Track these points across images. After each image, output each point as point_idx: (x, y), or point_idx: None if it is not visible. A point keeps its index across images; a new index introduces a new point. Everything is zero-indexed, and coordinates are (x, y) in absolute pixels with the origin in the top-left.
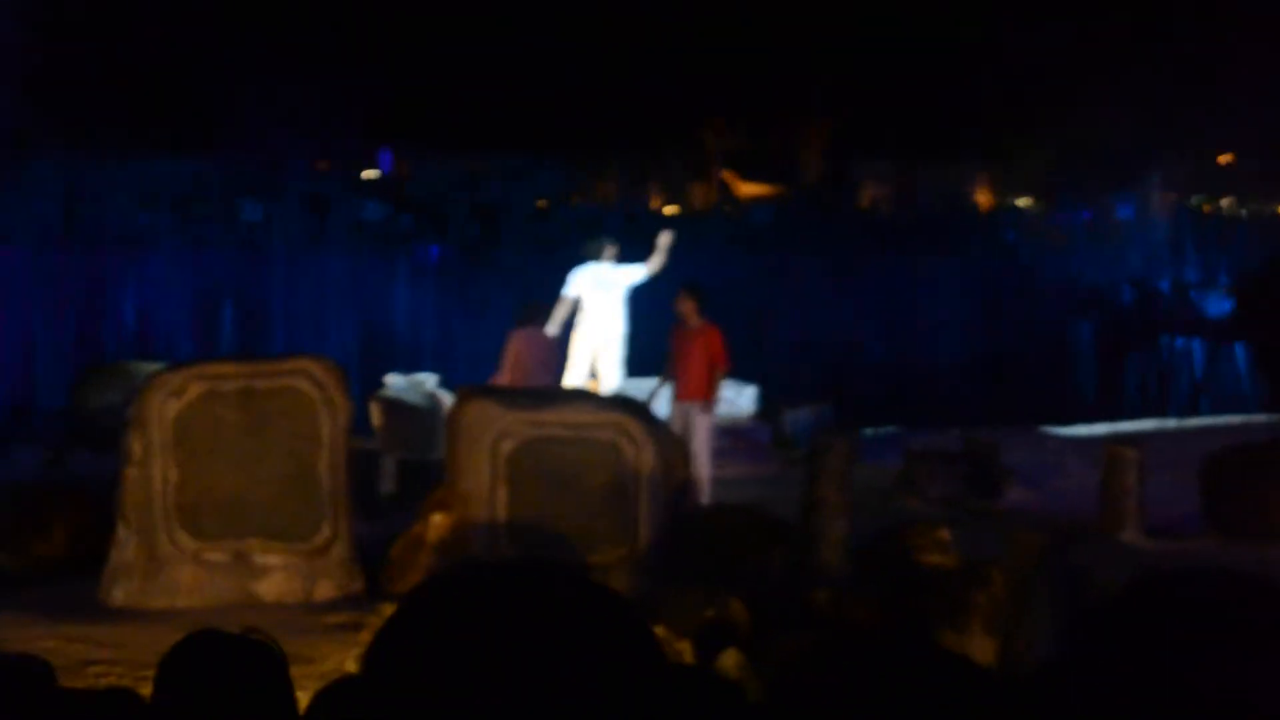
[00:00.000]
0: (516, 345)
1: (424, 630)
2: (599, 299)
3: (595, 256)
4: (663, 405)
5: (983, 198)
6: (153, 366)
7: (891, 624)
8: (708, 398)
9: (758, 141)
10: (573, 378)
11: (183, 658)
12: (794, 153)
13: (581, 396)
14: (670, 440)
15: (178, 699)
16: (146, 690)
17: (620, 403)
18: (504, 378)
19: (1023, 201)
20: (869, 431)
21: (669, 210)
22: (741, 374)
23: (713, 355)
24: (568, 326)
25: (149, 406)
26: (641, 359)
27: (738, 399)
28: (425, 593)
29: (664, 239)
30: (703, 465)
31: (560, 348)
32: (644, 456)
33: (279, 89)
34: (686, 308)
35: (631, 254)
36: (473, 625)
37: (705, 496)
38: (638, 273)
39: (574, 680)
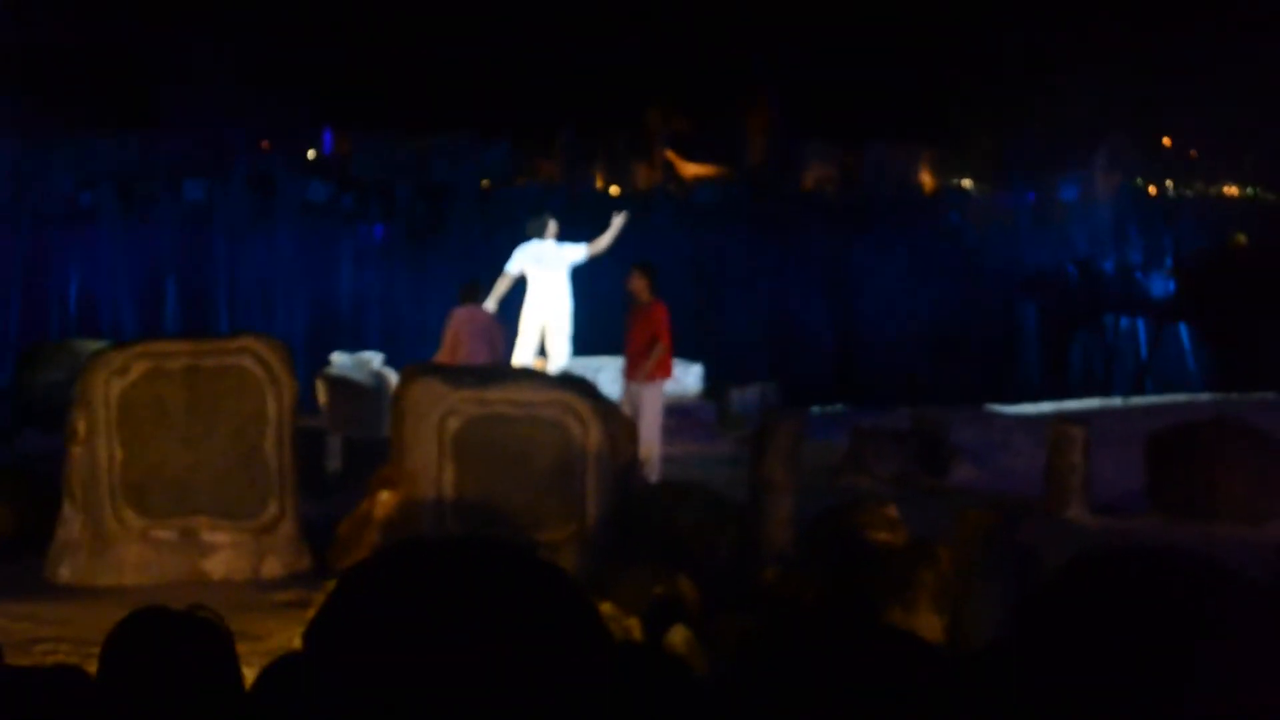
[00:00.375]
0: (457, 323)
1: (365, 606)
2: (543, 277)
3: (538, 234)
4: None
5: (927, 179)
6: (97, 345)
7: (839, 602)
8: (655, 378)
9: (702, 122)
10: (520, 356)
11: (128, 635)
12: (738, 133)
13: (528, 375)
14: (618, 419)
15: (123, 676)
16: (93, 667)
17: (567, 381)
18: (444, 355)
19: (967, 183)
20: (816, 410)
21: (613, 190)
22: (687, 353)
23: (654, 330)
24: (513, 304)
25: (93, 385)
26: (592, 338)
27: (684, 378)
28: (366, 568)
29: (618, 220)
30: (649, 445)
31: (504, 325)
32: (591, 435)
33: (222, 67)
34: (638, 285)
35: (575, 234)
36: (414, 601)
37: (655, 474)
38: (579, 251)
39: (517, 657)
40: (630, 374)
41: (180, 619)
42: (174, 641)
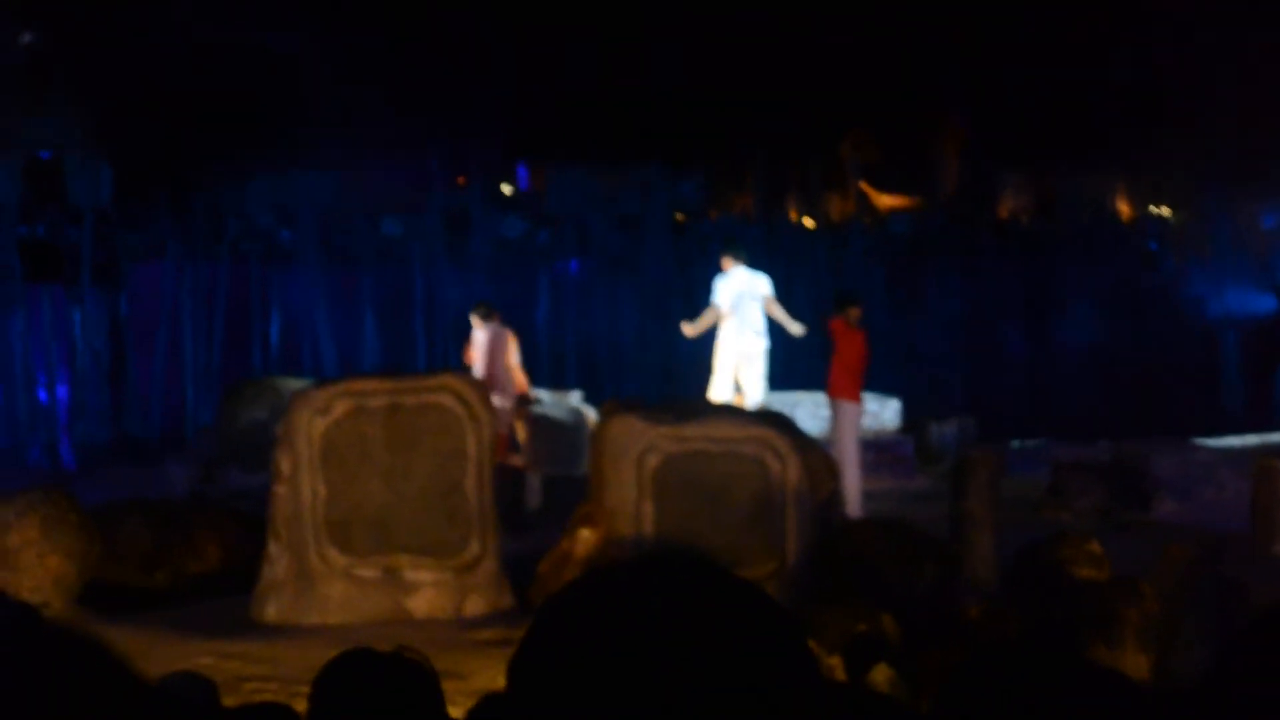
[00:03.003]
0: (491, 341)
1: (566, 639)
2: (742, 309)
3: (740, 260)
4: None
5: (1124, 207)
6: (299, 383)
7: (1043, 639)
8: (849, 398)
9: (895, 153)
10: (717, 391)
11: (337, 676)
12: (932, 163)
13: (726, 411)
14: (816, 455)
15: (332, 717)
16: (301, 706)
17: (765, 417)
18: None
19: (1165, 210)
20: (1015, 444)
21: (807, 222)
22: (885, 387)
23: (853, 352)
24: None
25: (297, 424)
26: (788, 373)
27: (881, 412)
28: (565, 601)
29: (796, 328)
30: (848, 470)
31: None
32: (790, 471)
33: (418, 103)
34: (851, 317)
35: (768, 267)
36: (616, 630)
37: (856, 502)
38: (768, 292)
39: (727, 684)
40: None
41: (387, 660)
42: (381, 683)
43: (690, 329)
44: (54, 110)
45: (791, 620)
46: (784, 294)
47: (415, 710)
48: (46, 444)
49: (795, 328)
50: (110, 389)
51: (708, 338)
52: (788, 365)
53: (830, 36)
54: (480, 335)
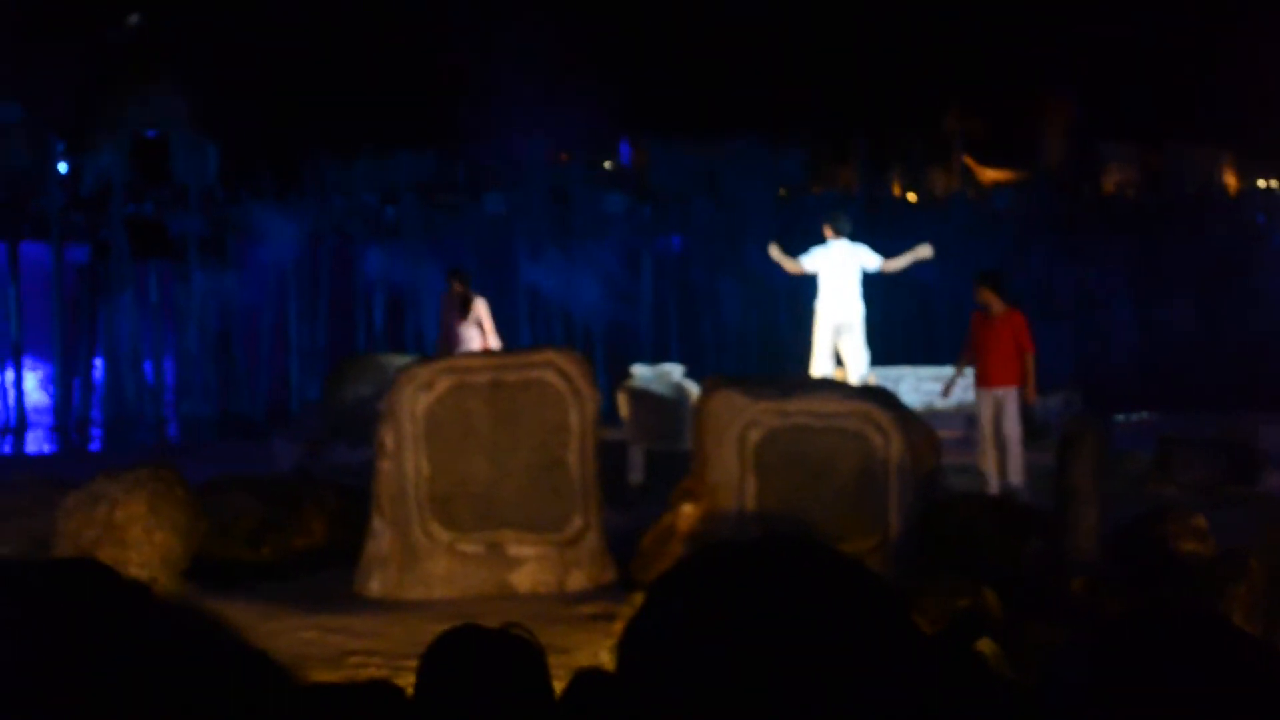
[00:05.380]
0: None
1: (677, 615)
2: (836, 280)
3: (838, 233)
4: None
5: (1231, 179)
6: (403, 359)
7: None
8: (1020, 383)
9: (999, 126)
10: (817, 365)
11: (444, 652)
12: (1036, 137)
13: (828, 385)
14: (919, 429)
15: (440, 693)
16: (404, 681)
17: (868, 391)
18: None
19: (1272, 183)
20: (1120, 418)
21: (910, 197)
22: None
23: (1020, 341)
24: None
25: (400, 400)
26: (891, 347)
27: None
28: (675, 578)
29: (923, 250)
30: (1015, 450)
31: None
32: (893, 445)
33: (520, 79)
34: (987, 296)
35: (872, 242)
36: (726, 607)
37: (1020, 480)
38: (874, 260)
39: (835, 660)
40: (990, 381)
41: (494, 637)
42: (489, 659)
43: (776, 250)
44: (161, 91)
45: (897, 598)
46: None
47: (522, 686)
48: (153, 421)
49: (924, 251)
50: (216, 366)
51: (808, 310)
52: (889, 338)
53: (935, 9)
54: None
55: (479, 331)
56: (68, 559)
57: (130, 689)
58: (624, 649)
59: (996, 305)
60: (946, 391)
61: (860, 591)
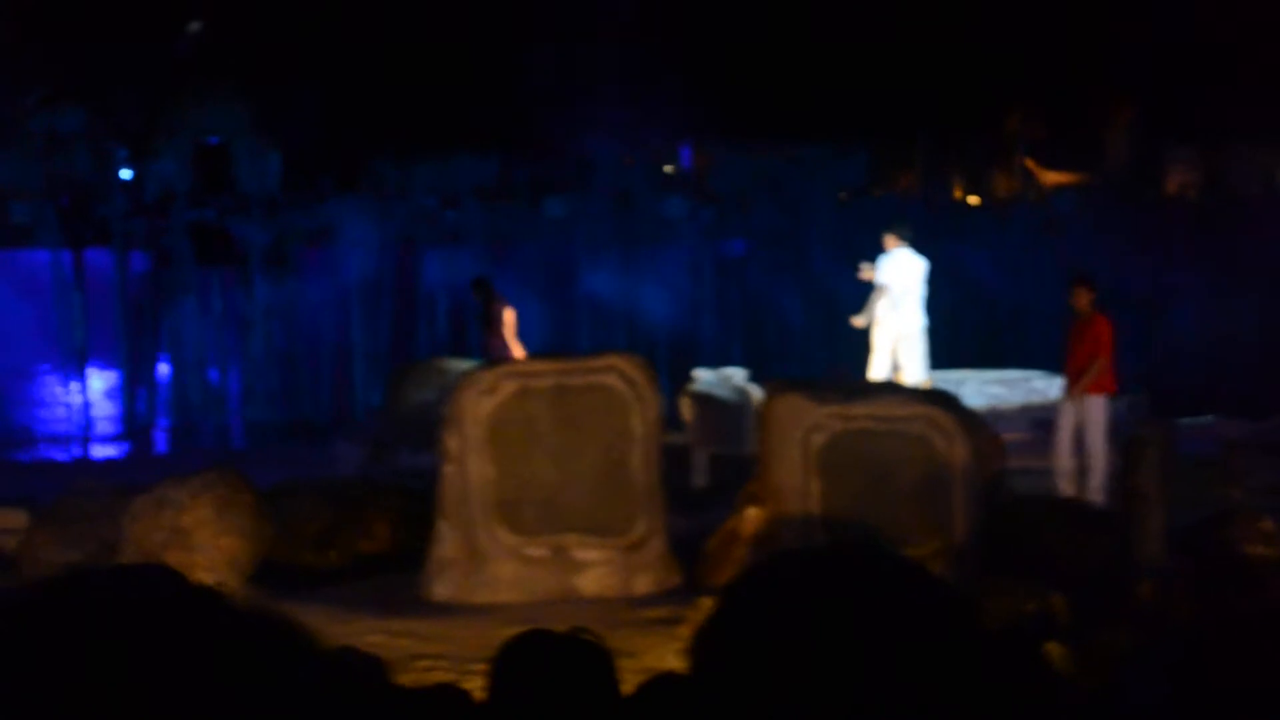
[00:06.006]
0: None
1: (750, 620)
2: (901, 288)
3: (905, 239)
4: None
5: None
6: (465, 364)
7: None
8: (1095, 390)
9: (1060, 128)
10: (877, 369)
11: (515, 655)
12: (1098, 139)
13: (892, 389)
14: (983, 433)
15: (510, 696)
16: (472, 684)
17: (931, 395)
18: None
19: None
20: (1186, 420)
21: (972, 200)
22: (1053, 365)
23: (1094, 345)
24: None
25: (464, 404)
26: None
27: (1048, 389)
28: (748, 583)
29: (858, 322)
30: (1097, 465)
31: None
32: (957, 449)
33: (581, 84)
34: (1081, 300)
35: (931, 245)
36: (799, 612)
37: (1099, 493)
38: (926, 265)
39: (907, 667)
40: (1075, 388)
41: (564, 640)
42: (558, 662)
43: (860, 320)
44: (222, 98)
45: (966, 604)
46: (950, 272)
47: (591, 690)
48: (218, 426)
49: (859, 321)
50: (280, 371)
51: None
52: (952, 342)
53: (996, 12)
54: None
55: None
56: (136, 564)
57: (205, 694)
58: (696, 653)
59: (1084, 310)
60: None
61: (931, 598)
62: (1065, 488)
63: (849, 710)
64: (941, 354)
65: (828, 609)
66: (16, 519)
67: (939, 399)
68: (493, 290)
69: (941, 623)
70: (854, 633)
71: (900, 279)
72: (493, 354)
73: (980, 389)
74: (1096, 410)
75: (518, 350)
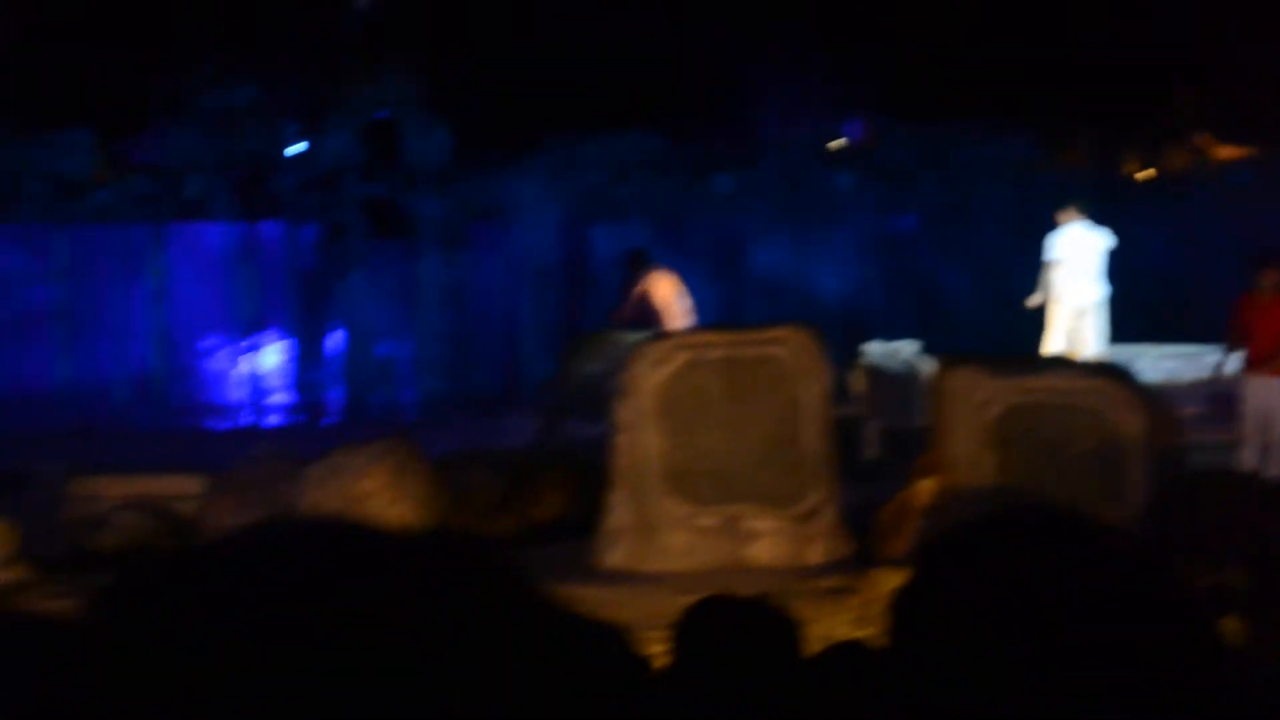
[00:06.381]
0: (647, 285)
1: (950, 587)
2: (1076, 264)
3: (1081, 214)
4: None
5: None
6: (635, 336)
7: None
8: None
9: (1236, 101)
10: (1053, 343)
11: (699, 621)
12: (1274, 112)
13: (1066, 363)
14: (1158, 407)
15: (695, 661)
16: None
17: (1105, 369)
18: (674, 321)
19: None
20: None
21: (1144, 174)
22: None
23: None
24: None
25: (636, 376)
26: (1129, 325)
27: (1227, 362)
28: (944, 550)
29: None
30: None
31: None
32: (1131, 422)
33: (750, 60)
34: (1271, 278)
35: (1101, 220)
36: (1003, 576)
37: None
38: (1109, 240)
39: (1114, 632)
40: (1260, 369)
41: (748, 607)
42: (743, 629)
43: (1036, 299)
44: (392, 72)
45: (1169, 571)
46: (1123, 247)
47: (775, 656)
48: (389, 397)
49: (1034, 300)
50: (450, 344)
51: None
52: (1127, 316)
53: None
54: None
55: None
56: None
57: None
58: (895, 620)
59: (1271, 288)
60: (1218, 374)
61: (1132, 561)
62: (1249, 465)
63: (1058, 668)
64: (1116, 329)
65: (1031, 571)
66: (194, 486)
67: (1113, 372)
68: (639, 261)
69: (1146, 586)
70: (1060, 594)
71: (1074, 254)
72: (621, 322)
73: (1155, 363)
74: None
75: (675, 321)
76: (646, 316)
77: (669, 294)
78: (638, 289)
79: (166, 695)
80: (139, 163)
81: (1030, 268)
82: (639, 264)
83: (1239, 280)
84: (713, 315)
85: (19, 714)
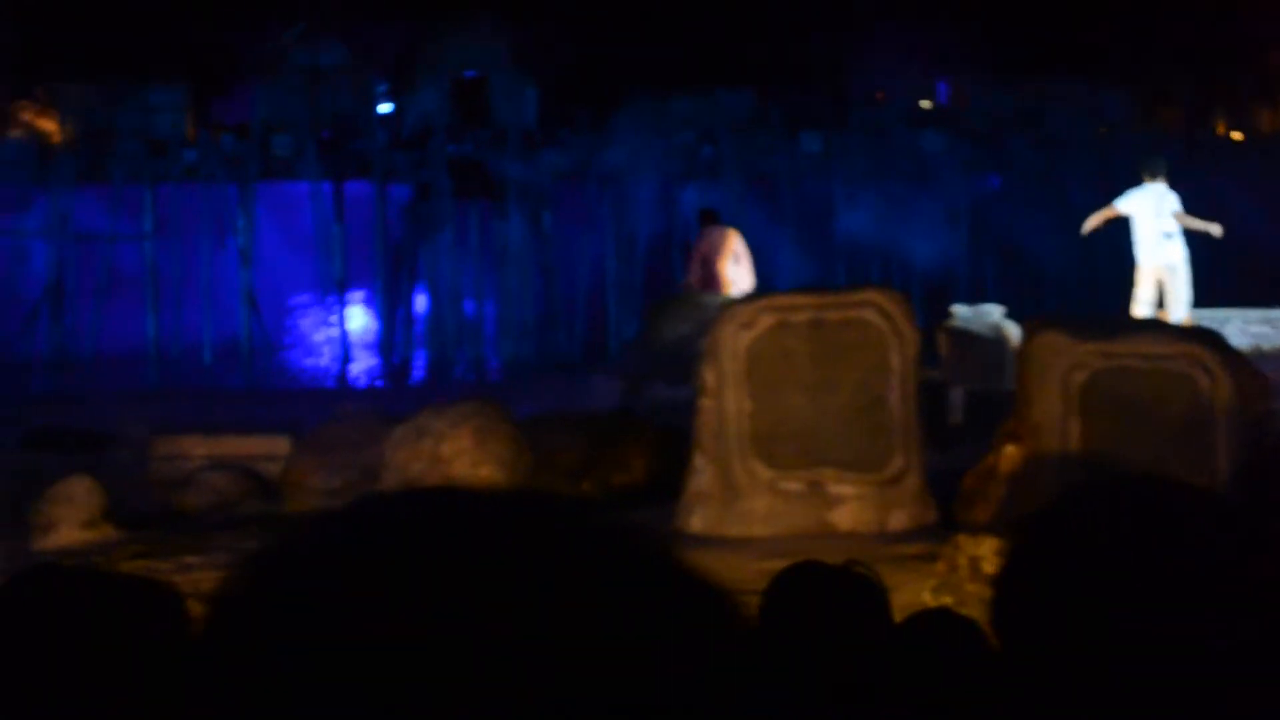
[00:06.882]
0: (707, 245)
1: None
2: (1155, 223)
3: (1153, 177)
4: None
5: None
6: (720, 298)
7: None
8: None
9: None
10: (1139, 307)
11: (789, 586)
12: None
13: (1154, 326)
14: (1248, 373)
15: (785, 626)
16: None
17: (1195, 333)
18: (695, 276)
19: None
20: None
21: (1235, 136)
22: None
23: None
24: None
25: (722, 338)
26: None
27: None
28: (1046, 519)
29: (1211, 228)
30: None
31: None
32: (1221, 389)
33: (838, 19)
34: None
35: (1195, 181)
36: (1108, 545)
37: None
38: (1175, 206)
39: (1222, 599)
40: None
41: (838, 573)
42: (833, 595)
43: (1089, 223)
44: (480, 32)
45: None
46: (1213, 209)
47: (866, 623)
48: (473, 358)
49: (1214, 229)
50: (536, 305)
51: (1128, 252)
52: (1215, 281)
53: None
54: (704, 240)
55: (738, 268)
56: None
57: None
58: (1000, 589)
59: None
60: None
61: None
62: None
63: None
64: (1205, 292)
65: (1137, 539)
66: (280, 446)
67: (1202, 336)
68: (709, 219)
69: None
70: (1164, 566)
71: (1145, 214)
72: (725, 284)
73: (1244, 328)
74: None
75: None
76: (710, 277)
77: (724, 253)
78: (699, 249)
79: (301, 670)
80: (228, 123)
81: (1119, 231)
82: (705, 223)
83: None
84: (800, 276)
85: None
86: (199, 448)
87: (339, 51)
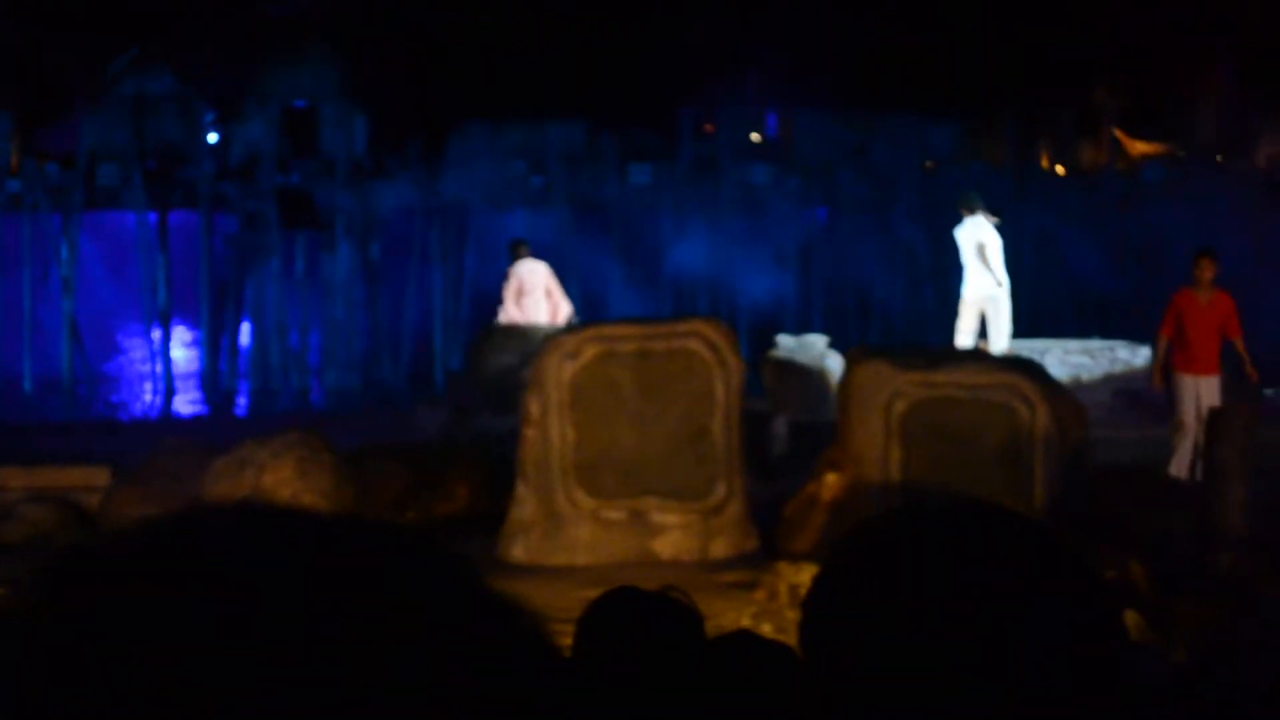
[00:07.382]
0: (517, 279)
1: (861, 579)
2: (972, 256)
3: (971, 209)
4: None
5: None
6: (546, 329)
7: None
8: (1217, 370)
9: (1150, 98)
10: (961, 337)
11: (603, 613)
12: (1187, 109)
13: (974, 356)
14: (1066, 402)
15: (598, 653)
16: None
17: (1014, 363)
18: (510, 308)
19: None
20: (1269, 392)
21: (1059, 170)
22: (1135, 334)
23: (1226, 326)
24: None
25: (546, 368)
26: (1036, 320)
27: (1133, 359)
28: (857, 543)
29: (1000, 277)
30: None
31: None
32: (1039, 417)
33: (666, 52)
34: (1208, 274)
35: (1020, 213)
36: (915, 572)
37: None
38: (986, 243)
39: (1029, 628)
40: (1194, 368)
41: (653, 599)
42: (647, 621)
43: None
44: (310, 62)
45: (1090, 565)
46: (1037, 242)
47: (680, 649)
48: (298, 388)
49: (1000, 276)
50: (362, 336)
51: (954, 284)
52: (1035, 311)
53: None
54: (520, 271)
55: (549, 302)
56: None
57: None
58: (807, 615)
59: (1207, 288)
60: (1157, 381)
61: (1054, 559)
62: (1187, 459)
63: (974, 666)
64: (1025, 323)
65: (950, 565)
66: (100, 477)
67: (1022, 366)
68: (520, 252)
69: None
70: (979, 592)
71: (966, 247)
72: (517, 315)
73: (1064, 358)
74: (1216, 391)
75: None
76: (524, 311)
77: (534, 284)
78: (511, 285)
79: (87, 687)
80: (53, 151)
81: (944, 262)
82: (516, 255)
83: (1147, 276)
84: (630, 306)
85: None
86: (16, 479)
87: (167, 80)
